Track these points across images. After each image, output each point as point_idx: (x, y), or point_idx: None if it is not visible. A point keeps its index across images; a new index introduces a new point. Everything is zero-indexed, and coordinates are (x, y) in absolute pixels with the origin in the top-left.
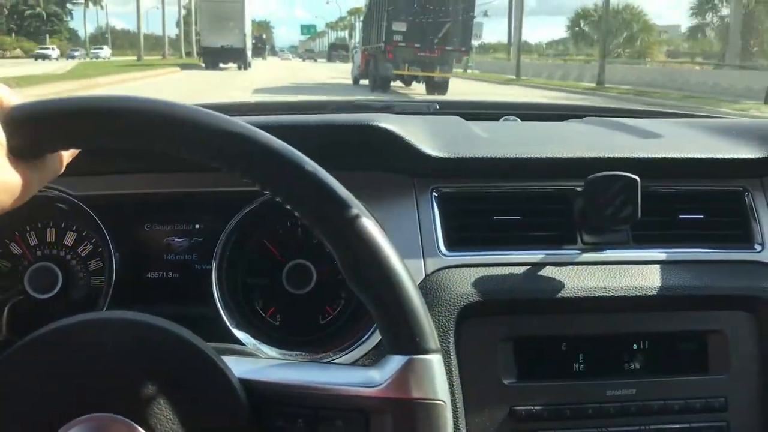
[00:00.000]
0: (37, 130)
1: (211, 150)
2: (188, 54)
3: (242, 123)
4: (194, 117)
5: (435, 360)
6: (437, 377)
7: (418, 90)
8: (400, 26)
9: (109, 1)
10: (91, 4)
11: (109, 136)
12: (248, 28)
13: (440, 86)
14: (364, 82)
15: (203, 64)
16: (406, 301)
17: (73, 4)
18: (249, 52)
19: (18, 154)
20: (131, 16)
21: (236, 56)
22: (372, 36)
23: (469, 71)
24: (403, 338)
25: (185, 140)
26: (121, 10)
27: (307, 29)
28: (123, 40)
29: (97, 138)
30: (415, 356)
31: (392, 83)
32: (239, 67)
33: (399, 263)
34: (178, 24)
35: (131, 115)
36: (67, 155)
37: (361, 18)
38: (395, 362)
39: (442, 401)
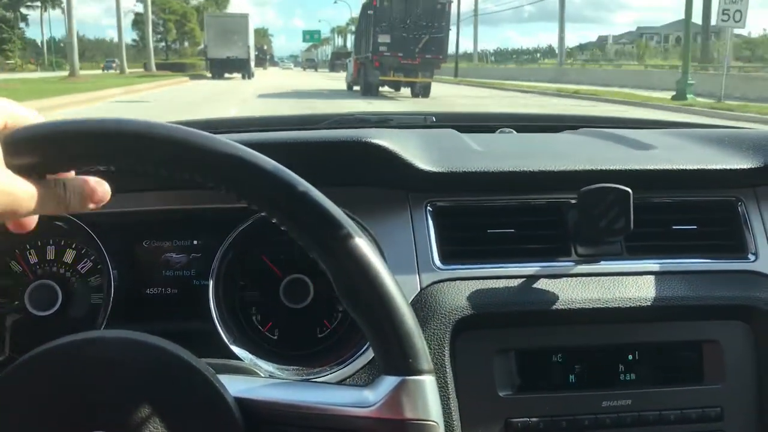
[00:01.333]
0: (34, 150)
1: (207, 172)
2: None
3: (237, 145)
4: (189, 139)
5: (428, 381)
6: (430, 398)
7: (405, 93)
8: (385, 38)
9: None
10: (50, 8)
11: (109, 160)
12: (251, 41)
13: (423, 90)
14: (357, 88)
15: (209, 74)
16: (399, 323)
17: (28, 6)
18: (252, 63)
19: (20, 172)
20: (86, 26)
21: (240, 66)
22: (362, 47)
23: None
24: (397, 359)
25: (180, 163)
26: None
27: (310, 36)
28: (95, 51)
29: (100, 161)
30: (408, 377)
31: (382, 89)
32: (243, 77)
33: (392, 284)
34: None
35: (129, 139)
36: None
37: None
38: (388, 383)
39: (435, 422)
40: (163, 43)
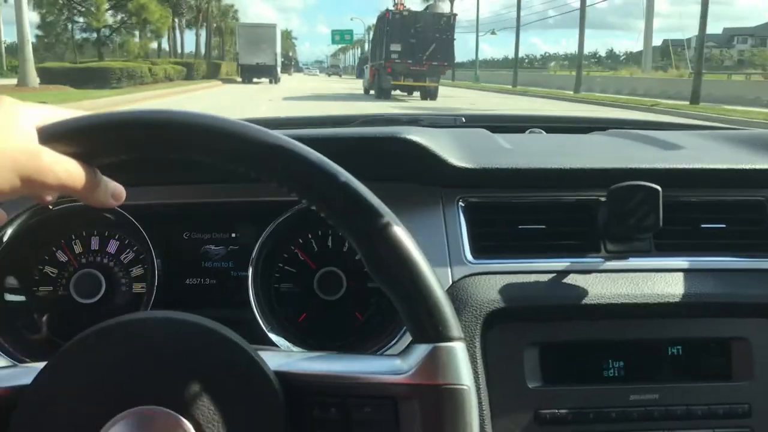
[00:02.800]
0: (77, 142)
1: (252, 161)
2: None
3: (280, 135)
4: (237, 130)
5: (458, 347)
6: (461, 363)
7: (416, 95)
8: (396, 47)
9: None
10: None
11: (158, 147)
12: (279, 48)
13: (431, 93)
14: (373, 92)
15: (239, 79)
16: (428, 292)
17: None
18: (279, 69)
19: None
20: None
21: (269, 72)
22: (376, 55)
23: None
24: (427, 327)
25: (229, 152)
26: None
27: (340, 36)
28: None
29: (147, 149)
30: (439, 344)
31: (394, 92)
32: (270, 81)
33: (421, 258)
34: None
35: (179, 128)
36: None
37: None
38: (420, 350)
39: (467, 386)
40: (86, 34)
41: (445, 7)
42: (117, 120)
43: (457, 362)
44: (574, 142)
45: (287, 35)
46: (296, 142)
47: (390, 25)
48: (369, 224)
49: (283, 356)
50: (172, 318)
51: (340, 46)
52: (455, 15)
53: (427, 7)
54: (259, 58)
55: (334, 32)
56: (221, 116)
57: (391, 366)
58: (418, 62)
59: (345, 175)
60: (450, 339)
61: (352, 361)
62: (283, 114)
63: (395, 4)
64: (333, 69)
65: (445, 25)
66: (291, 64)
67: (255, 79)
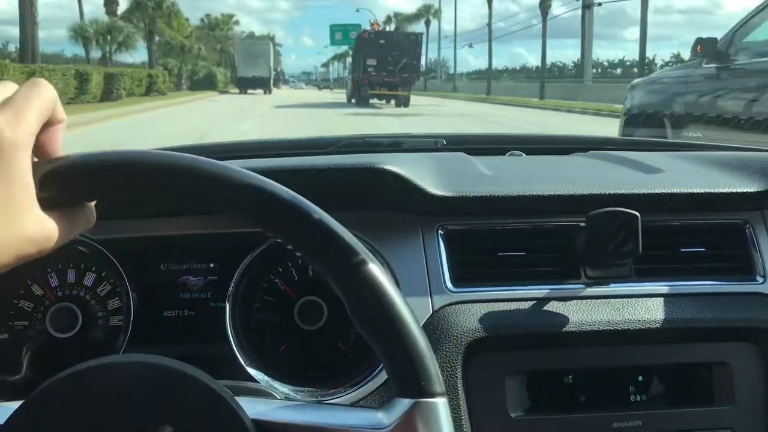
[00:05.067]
0: (68, 183)
1: (223, 204)
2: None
3: (251, 174)
4: (215, 170)
5: (441, 403)
6: (443, 420)
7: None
8: (372, 61)
9: None
10: None
11: (135, 190)
12: (272, 62)
13: (404, 101)
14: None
15: (236, 90)
16: (411, 345)
17: None
18: (272, 81)
19: (48, 206)
20: None
21: (263, 84)
22: (356, 68)
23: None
24: (409, 382)
25: (204, 194)
26: None
27: (343, 33)
28: None
29: (121, 192)
30: (421, 399)
31: (372, 101)
32: (264, 92)
33: (404, 308)
34: None
35: (156, 171)
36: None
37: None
38: (402, 405)
39: None
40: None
41: (419, 27)
42: (83, 163)
43: (439, 419)
44: (554, 165)
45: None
46: (268, 181)
47: (367, 43)
48: (347, 267)
49: (261, 404)
50: (146, 362)
51: (335, 51)
52: (421, 34)
53: (398, 28)
54: (256, 72)
55: (333, 28)
56: (189, 155)
57: (372, 420)
58: (390, 74)
59: (318, 213)
60: (432, 394)
61: (332, 413)
62: (279, 118)
63: (371, 25)
64: (324, 82)
65: (414, 42)
66: (279, 78)
67: (250, 90)
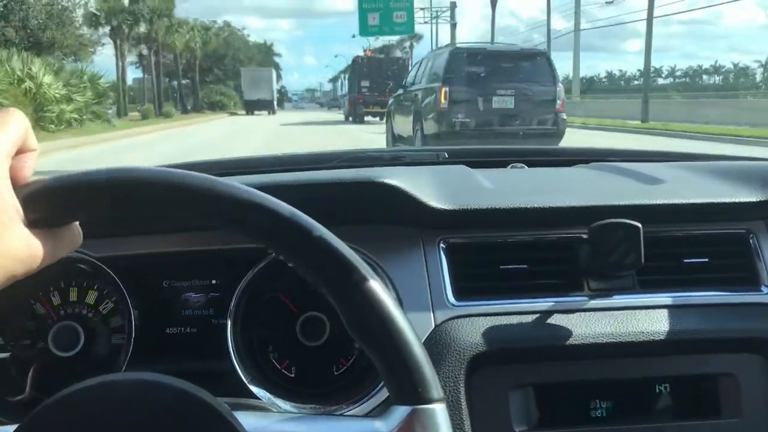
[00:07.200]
0: (54, 203)
1: (224, 218)
2: None
3: (250, 190)
4: (208, 186)
5: (439, 409)
6: (442, 425)
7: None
8: (365, 83)
9: None
10: None
11: (126, 208)
12: (275, 86)
13: None
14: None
15: (243, 112)
16: (407, 352)
17: None
18: (275, 103)
19: (35, 226)
20: None
21: (267, 106)
22: (352, 89)
23: None
24: (407, 388)
25: (199, 210)
26: None
27: (381, 16)
28: None
29: (114, 210)
30: (418, 406)
31: (366, 118)
32: (268, 113)
33: (400, 315)
34: None
35: (146, 188)
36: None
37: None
38: (400, 413)
39: None
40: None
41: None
42: (70, 183)
43: (437, 425)
44: (555, 177)
45: (266, 48)
46: (267, 196)
47: (360, 66)
48: (344, 278)
49: (260, 417)
50: (146, 380)
51: (345, 63)
52: (406, 59)
53: (386, 53)
54: (260, 95)
55: (364, 7)
56: (187, 172)
57: (370, 429)
58: (381, 94)
59: (319, 230)
60: (430, 401)
61: (330, 423)
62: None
63: (364, 51)
64: (333, 102)
65: (401, 65)
66: (283, 98)
67: (256, 112)
